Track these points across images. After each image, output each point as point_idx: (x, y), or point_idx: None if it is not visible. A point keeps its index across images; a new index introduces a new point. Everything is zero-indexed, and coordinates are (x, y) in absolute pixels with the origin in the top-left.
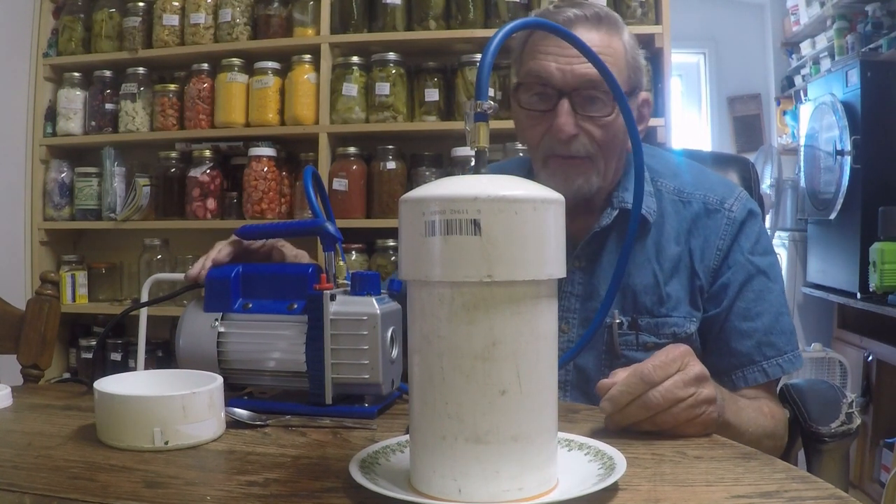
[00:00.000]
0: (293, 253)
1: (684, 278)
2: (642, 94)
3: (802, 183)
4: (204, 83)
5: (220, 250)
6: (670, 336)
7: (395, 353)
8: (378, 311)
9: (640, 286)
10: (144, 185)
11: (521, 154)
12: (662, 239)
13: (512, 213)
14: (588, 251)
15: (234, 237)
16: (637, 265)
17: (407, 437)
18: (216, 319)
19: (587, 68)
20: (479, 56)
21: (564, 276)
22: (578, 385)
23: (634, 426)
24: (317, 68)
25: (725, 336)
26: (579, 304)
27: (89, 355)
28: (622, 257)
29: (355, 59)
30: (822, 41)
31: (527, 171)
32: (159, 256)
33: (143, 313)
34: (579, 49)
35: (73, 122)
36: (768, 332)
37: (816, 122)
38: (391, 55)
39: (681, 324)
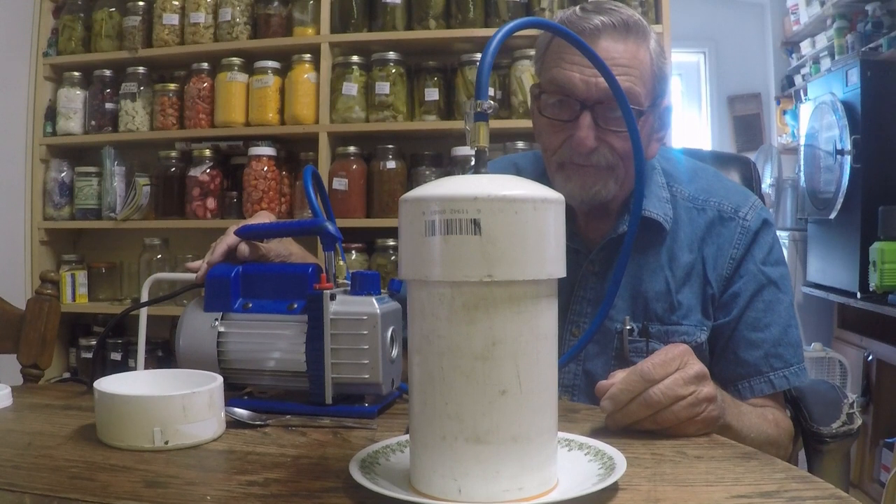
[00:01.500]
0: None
1: (696, 286)
2: (665, 101)
3: (802, 182)
4: (204, 83)
5: (215, 249)
6: None
7: (395, 353)
8: (378, 311)
9: (652, 293)
10: (144, 185)
11: (520, 152)
12: (676, 246)
13: (512, 212)
14: (603, 256)
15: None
16: (650, 272)
17: (407, 437)
18: (216, 319)
19: None
20: (479, 56)
21: (565, 275)
22: (587, 390)
23: (635, 425)
24: (317, 68)
25: (734, 345)
26: (591, 309)
27: (89, 355)
28: (622, 256)
29: (355, 58)
30: (821, 41)
31: (540, 166)
32: (159, 256)
33: (143, 313)
34: (587, 56)
35: (73, 122)
36: (776, 343)
37: (816, 121)
38: (391, 55)
39: (691, 332)
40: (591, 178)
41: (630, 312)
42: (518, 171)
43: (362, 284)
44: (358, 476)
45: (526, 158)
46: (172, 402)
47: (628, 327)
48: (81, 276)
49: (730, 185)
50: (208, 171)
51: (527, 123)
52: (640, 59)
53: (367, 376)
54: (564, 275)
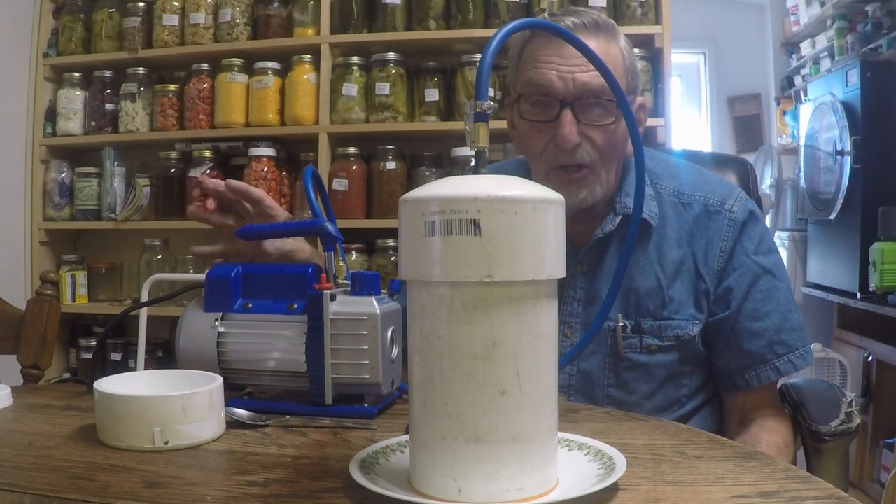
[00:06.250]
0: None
1: (687, 281)
2: (639, 99)
3: (802, 183)
4: (204, 83)
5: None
6: (673, 339)
7: (395, 353)
8: (378, 311)
9: (643, 289)
10: (144, 185)
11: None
12: (664, 242)
13: (512, 213)
14: (591, 256)
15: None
16: (640, 268)
17: (407, 437)
18: (216, 319)
19: (588, 76)
20: (479, 56)
21: (564, 276)
22: (582, 389)
23: None
24: (317, 68)
25: (736, 337)
26: (581, 309)
27: (89, 355)
28: (622, 261)
29: (355, 59)
30: (821, 41)
31: (526, 171)
32: (159, 256)
33: (143, 313)
34: (581, 50)
35: (73, 122)
36: (778, 330)
37: (816, 122)
38: (391, 55)
39: (683, 326)
40: (576, 186)
41: (622, 310)
42: None
43: (362, 285)
44: (358, 476)
45: (510, 166)
46: (172, 402)
47: (621, 324)
48: (81, 277)
49: (713, 178)
50: (208, 171)
51: None
52: (613, 54)
53: (367, 376)
54: (564, 275)
